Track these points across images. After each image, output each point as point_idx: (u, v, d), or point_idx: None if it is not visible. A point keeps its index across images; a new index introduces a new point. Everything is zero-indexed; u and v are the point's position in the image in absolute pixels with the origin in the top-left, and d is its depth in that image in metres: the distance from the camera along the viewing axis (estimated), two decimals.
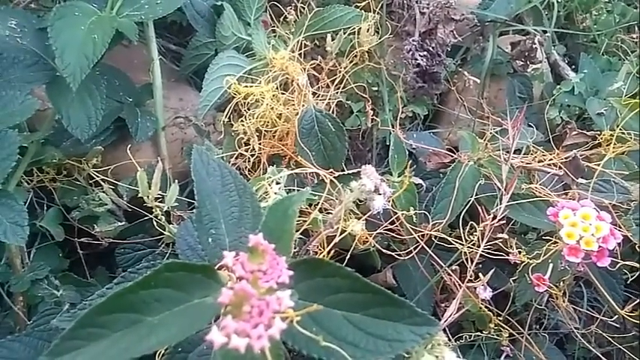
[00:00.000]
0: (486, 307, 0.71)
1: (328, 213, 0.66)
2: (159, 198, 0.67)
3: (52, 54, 0.67)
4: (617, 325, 0.76)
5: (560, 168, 0.72)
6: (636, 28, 1.04)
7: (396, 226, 0.74)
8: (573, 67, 0.97)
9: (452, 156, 0.80)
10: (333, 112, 0.84)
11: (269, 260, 0.35)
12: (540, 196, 0.70)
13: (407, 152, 0.79)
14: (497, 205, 0.68)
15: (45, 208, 0.82)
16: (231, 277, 0.41)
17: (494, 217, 0.67)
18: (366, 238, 0.69)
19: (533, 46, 0.93)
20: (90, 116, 0.72)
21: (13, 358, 0.62)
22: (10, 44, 0.73)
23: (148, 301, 0.38)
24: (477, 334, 0.74)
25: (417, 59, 0.88)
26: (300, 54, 0.86)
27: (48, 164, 0.79)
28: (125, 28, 0.70)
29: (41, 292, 0.72)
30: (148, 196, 0.65)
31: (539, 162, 0.74)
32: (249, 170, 0.81)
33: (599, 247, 0.58)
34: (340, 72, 0.88)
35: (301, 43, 0.87)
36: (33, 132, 0.77)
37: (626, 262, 0.65)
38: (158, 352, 0.50)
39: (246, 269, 0.35)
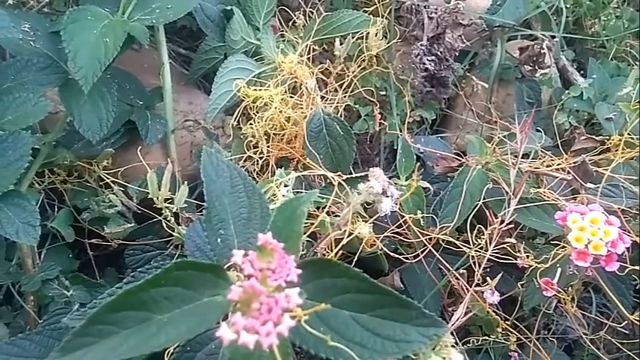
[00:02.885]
0: (494, 311, 0.71)
1: (336, 216, 0.66)
2: (168, 200, 0.68)
3: (65, 57, 0.68)
4: (626, 331, 0.75)
5: (568, 173, 0.72)
6: None
7: (404, 229, 0.74)
8: (582, 72, 0.97)
9: (460, 160, 0.80)
10: (341, 116, 0.84)
11: (278, 259, 0.36)
12: (548, 201, 0.70)
13: (415, 156, 0.79)
14: (505, 209, 0.68)
15: (56, 209, 0.83)
16: (239, 277, 0.41)
17: (502, 221, 0.67)
18: (374, 241, 0.69)
19: (542, 51, 0.92)
20: (101, 118, 0.73)
21: (24, 356, 0.62)
22: (24, 47, 0.74)
23: (157, 300, 0.39)
24: (484, 338, 0.74)
25: (425, 64, 0.88)
26: (308, 58, 0.87)
27: (59, 166, 0.80)
28: (136, 32, 0.71)
29: (52, 292, 0.73)
30: (157, 198, 0.66)
31: (547, 166, 0.74)
32: (257, 173, 0.82)
33: (608, 251, 0.57)
34: (348, 76, 0.88)
35: (310, 48, 0.88)
36: (45, 134, 0.78)
37: (635, 268, 0.64)
38: (167, 351, 0.50)
39: (255, 267, 0.35)
